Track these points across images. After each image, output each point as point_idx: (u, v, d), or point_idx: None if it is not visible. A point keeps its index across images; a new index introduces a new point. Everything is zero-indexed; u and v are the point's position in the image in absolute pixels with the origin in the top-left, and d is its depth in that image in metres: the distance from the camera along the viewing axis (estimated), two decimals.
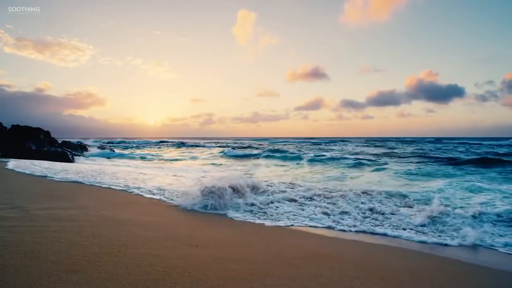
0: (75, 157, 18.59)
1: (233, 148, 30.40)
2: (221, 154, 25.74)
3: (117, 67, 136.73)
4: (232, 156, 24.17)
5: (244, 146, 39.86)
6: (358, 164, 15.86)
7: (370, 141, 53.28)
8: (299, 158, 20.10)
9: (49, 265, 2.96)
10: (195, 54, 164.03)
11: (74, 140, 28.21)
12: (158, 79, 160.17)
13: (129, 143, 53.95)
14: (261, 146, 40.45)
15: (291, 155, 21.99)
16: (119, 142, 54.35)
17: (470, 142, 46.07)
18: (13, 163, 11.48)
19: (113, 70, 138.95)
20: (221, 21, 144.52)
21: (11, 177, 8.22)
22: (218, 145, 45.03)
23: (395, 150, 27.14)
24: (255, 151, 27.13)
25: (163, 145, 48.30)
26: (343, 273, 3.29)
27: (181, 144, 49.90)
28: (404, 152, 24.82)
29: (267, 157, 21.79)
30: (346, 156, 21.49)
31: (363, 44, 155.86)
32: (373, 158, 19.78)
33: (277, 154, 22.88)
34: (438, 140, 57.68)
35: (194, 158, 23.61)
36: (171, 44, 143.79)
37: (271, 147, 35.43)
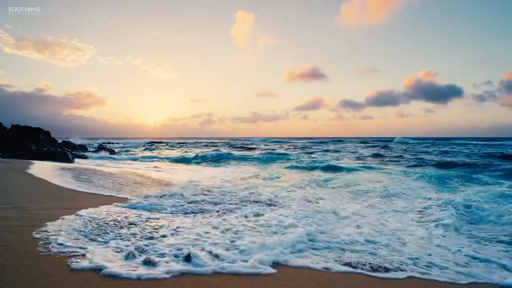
0: (76, 159, 18.58)
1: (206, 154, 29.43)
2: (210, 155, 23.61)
3: (117, 67, 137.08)
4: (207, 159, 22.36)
5: (246, 146, 39.93)
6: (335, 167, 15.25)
7: (367, 141, 53.23)
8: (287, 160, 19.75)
9: (49, 265, 2.98)
10: (195, 54, 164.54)
11: (72, 140, 28.08)
12: (158, 79, 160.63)
13: (123, 144, 53.49)
14: (261, 146, 40.51)
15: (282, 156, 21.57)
16: (111, 143, 53.46)
17: (473, 142, 45.77)
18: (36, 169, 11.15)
19: (113, 70, 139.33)
20: (221, 21, 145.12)
21: (11, 177, 8.22)
22: (213, 144, 45.23)
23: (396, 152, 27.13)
24: (251, 152, 27.03)
25: (159, 145, 48.17)
26: (343, 273, 3.30)
27: (177, 144, 50.00)
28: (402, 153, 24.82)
29: (264, 160, 21.49)
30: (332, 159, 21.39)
31: (361, 45, 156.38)
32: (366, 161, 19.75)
33: (265, 157, 21.95)
34: (437, 140, 57.63)
35: (195, 161, 23.22)
36: (171, 44, 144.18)
37: (267, 147, 35.42)
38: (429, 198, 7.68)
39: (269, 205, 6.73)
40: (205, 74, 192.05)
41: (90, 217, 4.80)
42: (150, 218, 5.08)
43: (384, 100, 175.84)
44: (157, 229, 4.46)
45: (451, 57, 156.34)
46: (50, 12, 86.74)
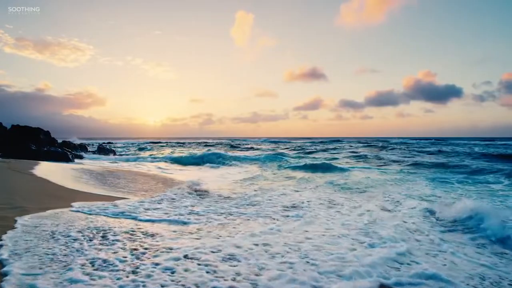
0: (76, 159, 18.62)
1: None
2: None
3: (117, 67, 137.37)
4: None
5: (246, 146, 39.95)
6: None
7: (367, 141, 53.21)
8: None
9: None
10: (195, 54, 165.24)
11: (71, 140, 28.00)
12: (158, 79, 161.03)
13: (122, 144, 53.31)
14: (261, 146, 40.52)
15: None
16: (111, 143, 53.12)
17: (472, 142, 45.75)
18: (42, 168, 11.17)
19: (113, 70, 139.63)
20: (220, 21, 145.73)
21: (11, 177, 8.26)
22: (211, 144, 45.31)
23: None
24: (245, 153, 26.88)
25: (158, 145, 48.15)
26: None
27: (176, 144, 50.08)
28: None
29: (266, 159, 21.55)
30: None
31: (360, 45, 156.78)
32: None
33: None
34: (437, 140, 57.72)
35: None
36: (171, 44, 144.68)
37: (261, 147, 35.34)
38: (435, 201, 7.38)
39: (290, 211, 6.04)
40: (205, 74, 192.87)
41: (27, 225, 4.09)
42: (111, 230, 4.17)
43: (383, 100, 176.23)
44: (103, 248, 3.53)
45: (450, 57, 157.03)
46: (50, 12, 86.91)
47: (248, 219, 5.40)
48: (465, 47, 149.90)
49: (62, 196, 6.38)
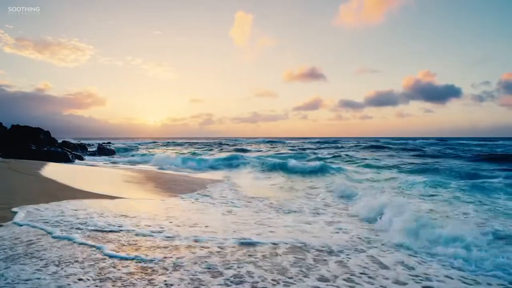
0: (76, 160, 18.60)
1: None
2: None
3: (117, 67, 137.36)
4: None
5: (246, 148, 39.92)
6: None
7: (367, 141, 53.21)
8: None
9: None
10: (195, 54, 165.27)
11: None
12: (158, 79, 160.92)
13: (122, 144, 53.12)
14: (261, 147, 40.43)
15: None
16: (110, 143, 52.46)
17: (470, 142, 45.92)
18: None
19: (113, 70, 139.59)
20: (220, 22, 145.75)
21: (11, 177, 8.24)
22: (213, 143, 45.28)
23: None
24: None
25: (156, 145, 48.19)
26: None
27: (173, 144, 50.11)
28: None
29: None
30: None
31: (359, 45, 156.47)
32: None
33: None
34: (437, 140, 57.80)
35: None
36: (171, 44, 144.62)
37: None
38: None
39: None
40: (205, 74, 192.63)
41: None
42: None
43: (383, 100, 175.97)
44: None
45: (450, 57, 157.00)
46: (50, 12, 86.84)
47: None
48: (464, 47, 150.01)
49: (62, 196, 6.36)
